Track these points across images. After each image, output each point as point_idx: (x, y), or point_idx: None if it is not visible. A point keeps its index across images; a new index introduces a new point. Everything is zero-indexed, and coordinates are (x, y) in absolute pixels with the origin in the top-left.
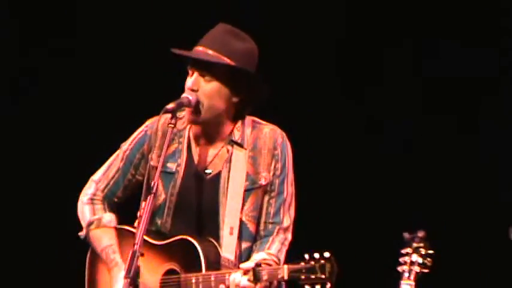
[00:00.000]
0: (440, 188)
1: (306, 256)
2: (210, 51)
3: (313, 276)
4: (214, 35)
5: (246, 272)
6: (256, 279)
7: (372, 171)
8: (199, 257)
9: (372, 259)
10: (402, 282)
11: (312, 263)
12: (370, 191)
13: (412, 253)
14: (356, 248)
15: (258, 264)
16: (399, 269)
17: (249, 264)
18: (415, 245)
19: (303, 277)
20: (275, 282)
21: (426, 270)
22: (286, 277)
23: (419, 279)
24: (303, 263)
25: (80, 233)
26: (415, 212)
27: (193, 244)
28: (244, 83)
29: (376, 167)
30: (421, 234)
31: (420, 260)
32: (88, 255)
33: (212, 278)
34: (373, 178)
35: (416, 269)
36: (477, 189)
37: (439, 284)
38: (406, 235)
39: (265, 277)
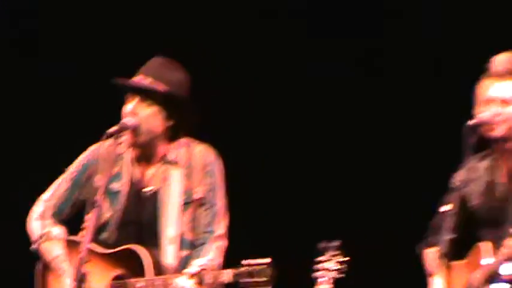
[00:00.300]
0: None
1: (245, 262)
2: (149, 79)
3: (255, 280)
4: (151, 66)
5: (191, 277)
6: (201, 282)
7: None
8: (142, 263)
9: (292, 266)
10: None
11: (255, 267)
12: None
13: (327, 261)
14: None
15: (202, 269)
16: (316, 275)
17: (194, 268)
18: (330, 252)
19: (246, 280)
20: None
21: (342, 275)
22: (231, 280)
23: (335, 286)
24: (244, 268)
25: (31, 247)
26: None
27: (136, 252)
28: (178, 108)
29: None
30: (336, 243)
31: (335, 267)
32: (39, 266)
33: (156, 283)
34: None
35: (332, 274)
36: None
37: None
38: (322, 244)
39: (210, 280)
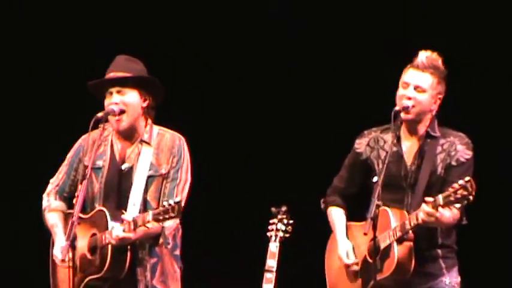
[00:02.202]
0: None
1: (165, 203)
2: (119, 73)
3: (167, 216)
4: (117, 63)
5: (122, 223)
6: (136, 226)
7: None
8: (107, 220)
9: (247, 227)
10: (270, 244)
11: (167, 206)
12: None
13: (277, 222)
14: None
15: (133, 218)
16: (268, 234)
17: (128, 217)
18: (279, 216)
19: (160, 218)
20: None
21: (287, 235)
22: (151, 219)
23: (283, 242)
24: (161, 208)
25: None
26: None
27: (103, 211)
28: (148, 88)
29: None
30: (284, 208)
31: (283, 228)
32: (51, 240)
33: (108, 232)
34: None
35: (281, 234)
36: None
37: (298, 246)
38: (273, 209)
39: (140, 222)
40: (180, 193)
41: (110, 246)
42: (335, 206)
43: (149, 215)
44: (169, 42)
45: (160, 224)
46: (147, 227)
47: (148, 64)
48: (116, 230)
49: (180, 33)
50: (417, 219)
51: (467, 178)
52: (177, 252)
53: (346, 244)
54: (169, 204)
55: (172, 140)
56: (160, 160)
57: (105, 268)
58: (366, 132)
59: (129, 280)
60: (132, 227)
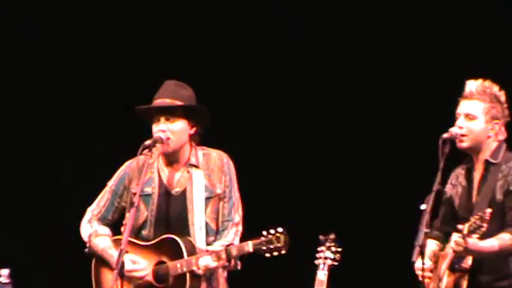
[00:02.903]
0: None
1: (264, 232)
2: (168, 100)
3: (271, 246)
4: (165, 88)
5: (211, 254)
6: (229, 256)
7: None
8: (181, 248)
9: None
10: (318, 272)
11: (270, 236)
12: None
13: (325, 250)
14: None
15: (226, 246)
16: (316, 262)
17: (216, 248)
18: (327, 244)
19: (264, 248)
20: (233, 261)
21: (336, 263)
22: (251, 250)
23: (331, 270)
24: (263, 238)
25: (85, 250)
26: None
27: (175, 239)
28: (197, 117)
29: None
30: (332, 235)
31: (332, 256)
32: (93, 262)
33: (190, 262)
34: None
35: (329, 262)
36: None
37: (347, 274)
38: (321, 236)
39: (235, 252)
40: (237, 211)
41: (188, 274)
42: (431, 238)
43: (249, 246)
44: (169, 42)
45: (266, 255)
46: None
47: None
48: (205, 259)
49: (180, 33)
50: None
51: (488, 210)
52: (225, 273)
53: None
54: (272, 234)
55: (220, 159)
56: (214, 181)
57: None
58: (457, 168)
59: None
60: (223, 256)
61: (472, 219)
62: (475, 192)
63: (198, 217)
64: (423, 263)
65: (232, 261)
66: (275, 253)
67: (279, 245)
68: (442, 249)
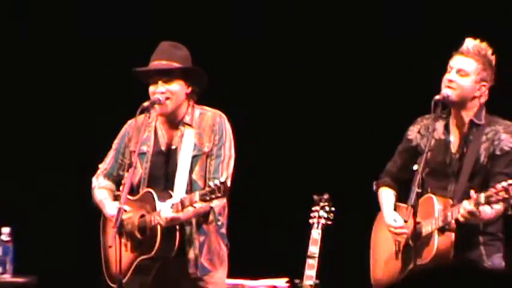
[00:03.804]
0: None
1: (210, 183)
2: (164, 62)
3: (213, 196)
4: (161, 50)
5: (171, 206)
6: (183, 206)
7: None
8: (155, 201)
9: (291, 214)
10: (312, 230)
11: (213, 187)
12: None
13: (319, 210)
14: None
15: (181, 199)
16: (310, 221)
17: (175, 200)
18: (321, 203)
19: (207, 198)
20: (211, 217)
21: (330, 223)
22: (198, 199)
23: (325, 229)
24: (207, 188)
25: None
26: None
27: (151, 193)
28: (193, 77)
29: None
30: (326, 195)
31: (325, 215)
32: (101, 220)
33: (157, 214)
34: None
35: (323, 221)
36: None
37: (339, 233)
38: (315, 196)
39: (187, 202)
40: (226, 169)
41: (159, 226)
42: (386, 186)
43: (196, 196)
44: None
45: (208, 203)
46: (195, 207)
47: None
48: (165, 211)
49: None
50: (458, 214)
51: (510, 181)
52: (223, 230)
53: (393, 213)
54: (215, 184)
55: (213, 118)
56: (203, 139)
57: (155, 248)
58: (419, 119)
59: (178, 258)
60: (180, 207)
61: (493, 190)
62: (454, 149)
63: (182, 174)
64: (415, 222)
65: (211, 217)
66: (216, 199)
67: (219, 194)
68: (400, 200)
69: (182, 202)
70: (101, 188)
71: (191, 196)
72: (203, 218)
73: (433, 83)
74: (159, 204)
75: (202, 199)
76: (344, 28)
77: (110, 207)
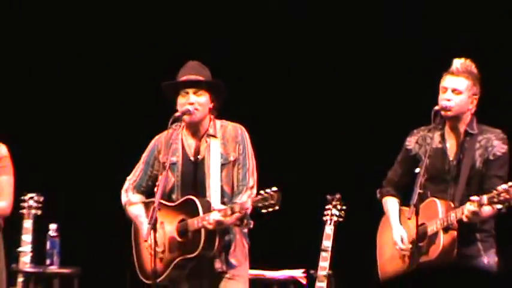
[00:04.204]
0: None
1: (262, 192)
2: (193, 76)
3: (266, 203)
4: (190, 67)
5: (219, 211)
6: (233, 212)
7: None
8: (198, 207)
9: (306, 212)
10: (326, 227)
11: (265, 195)
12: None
13: (332, 208)
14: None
15: (232, 204)
16: (324, 218)
17: (222, 206)
18: (334, 202)
19: (260, 205)
20: (245, 221)
21: (341, 220)
22: (250, 206)
23: (337, 225)
24: (260, 196)
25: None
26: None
27: (193, 200)
28: (217, 92)
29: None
30: (338, 195)
31: (337, 213)
32: (133, 224)
33: (206, 218)
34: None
35: (335, 218)
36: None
37: (351, 229)
38: (328, 196)
39: (238, 209)
40: (252, 176)
41: (203, 229)
42: (389, 196)
43: (248, 203)
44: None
45: (263, 211)
46: (241, 213)
47: None
48: (214, 215)
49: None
50: (462, 215)
51: (510, 183)
52: (245, 230)
53: (400, 231)
54: (267, 193)
55: (235, 130)
56: (228, 149)
57: (198, 249)
58: (415, 131)
59: (207, 255)
60: (229, 213)
61: (495, 192)
62: (451, 156)
63: (214, 181)
64: (417, 221)
65: (245, 221)
66: (270, 209)
67: (272, 202)
68: (403, 203)
69: (232, 208)
70: (132, 204)
71: (243, 203)
72: (239, 221)
73: (434, 83)
74: (201, 210)
75: (255, 206)
76: (360, 29)
77: (145, 228)
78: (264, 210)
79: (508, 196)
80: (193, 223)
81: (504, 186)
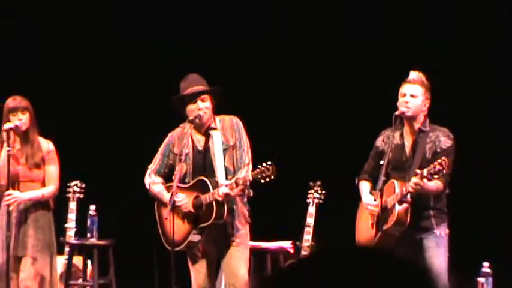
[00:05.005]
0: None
1: (259, 166)
2: (196, 87)
3: (264, 175)
4: (192, 79)
5: (226, 185)
6: (237, 184)
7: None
8: (208, 185)
9: (294, 195)
10: (309, 207)
11: (263, 168)
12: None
13: (314, 192)
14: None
15: (236, 179)
16: (308, 200)
17: (229, 181)
18: (315, 188)
19: (259, 176)
20: (246, 191)
21: (321, 202)
22: (251, 179)
23: (318, 206)
24: (258, 169)
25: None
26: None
27: (204, 179)
28: (216, 95)
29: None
30: (319, 182)
31: (318, 196)
32: (155, 203)
33: (214, 193)
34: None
35: (316, 201)
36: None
37: (328, 209)
38: (311, 183)
39: (241, 181)
40: (247, 155)
41: (214, 202)
42: (363, 180)
43: (249, 176)
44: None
45: (262, 181)
46: (244, 185)
47: None
48: (222, 189)
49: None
50: (409, 187)
51: (443, 158)
52: (245, 199)
53: (369, 198)
54: (264, 166)
55: (230, 120)
56: (227, 137)
57: (212, 218)
58: (382, 132)
59: (219, 223)
60: (234, 186)
61: (431, 166)
62: (408, 150)
63: (219, 164)
64: (381, 202)
65: (246, 191)
66: (267, 179)
67: (269, 173)
68: (374, 188)
69: (237, 182)
70: (155, 183)
71: (245, 177)
72: (242, 191)
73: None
74: (219, 186)
75: (256, 178)
76: (344, 29)
77: (166, 197)
78: (262, 181)
79: (440, 167)
80: (206, 198)
81: (439, 160)
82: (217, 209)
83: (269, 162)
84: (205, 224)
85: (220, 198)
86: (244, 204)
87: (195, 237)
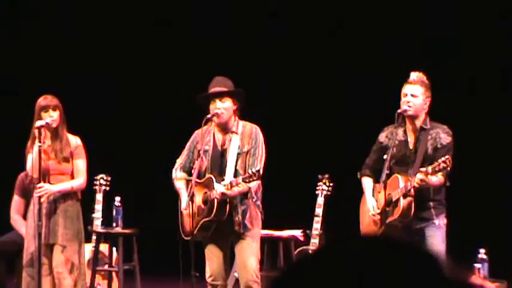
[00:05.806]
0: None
1: (249, 171)
2: (218, 88)
3: (251, 179)
4: (217, 81)
5: (223, 185)
6: (232, 186)
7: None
8: (213, 183)
9: (305, 187)
10: (318, 198)
11: (251, 173)
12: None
13: (322, 184)
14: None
15: (230, 182)
16: (317, 192)
17: (226, 181)
18: (324, 180)
19: (246, 180)
20: (249, 194)
21: (329, 193)
22: (241, 181)
23: (326, 198)
24: (247, 174)
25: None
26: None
27: (211, 178)
28: (238, 97)
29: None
30: (327, 175)
31: (326, 188)
32: (179, 196)
33: (214, 190)
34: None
35: (325, 192)
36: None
37: (336, 200)
38: (320, 176)
39: (234, 183)
40: (259, 163)
41: (215, 199)
42: (366, 176)
43: (239, 179)
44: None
45: (248, 184)
46: (239, 187)
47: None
48: (219, 188)
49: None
50: (414, 183)
51: (446, 156)
52: (259, 203)
53: (372, 201)
54: (252, 172)
55: (251, 128)
56: (244, 143)
57: (213, 213)
58: (385, 128)
59: (228, 220)
60: (229, 187)
61: (436, 163)
62: (411, 146)
63: (230, 165)
64: (385, 194)
65: (249, 195)
66: (253, 182)
67: (255, 178)
68: (377, 181)
69: (231, 183)
70: (178, 179)
71: (236, 179)
72: (244, 195)
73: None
74: (215, 185)
75: (244, 181)
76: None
77: (184, 196)
78: (249, 183)
79: (444, 165)
80: (210, 195)
81: (443, 158)
82: (217, 206)
83: (257, 168)
84: (207, 219)
85: (218, 197)
86: (257, 207)
87: (202, 231)
